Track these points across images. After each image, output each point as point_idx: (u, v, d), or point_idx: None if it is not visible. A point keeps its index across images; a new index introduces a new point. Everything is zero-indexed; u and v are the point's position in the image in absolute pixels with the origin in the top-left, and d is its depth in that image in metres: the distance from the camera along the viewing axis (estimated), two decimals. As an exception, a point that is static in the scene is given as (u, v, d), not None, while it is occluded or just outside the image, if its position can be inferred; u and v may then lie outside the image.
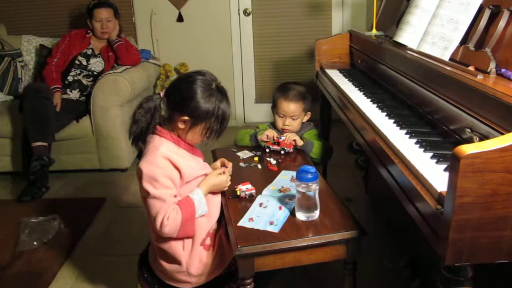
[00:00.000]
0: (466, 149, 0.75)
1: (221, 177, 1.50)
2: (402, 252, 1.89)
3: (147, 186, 1.34)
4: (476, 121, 1.05)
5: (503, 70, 1.09)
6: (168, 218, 1.33)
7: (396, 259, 1.83)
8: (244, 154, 1.90)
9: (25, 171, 2.86)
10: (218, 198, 1.52)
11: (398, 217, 2.01)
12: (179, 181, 1.40)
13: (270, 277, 1.62)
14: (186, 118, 1.38)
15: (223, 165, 1.63)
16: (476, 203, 0.78)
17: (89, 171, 3.11)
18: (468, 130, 1.07)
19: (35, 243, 2.23)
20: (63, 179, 3.03)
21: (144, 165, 1.35)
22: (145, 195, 1.36)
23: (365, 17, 3.62)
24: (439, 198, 0.87)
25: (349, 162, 3.09)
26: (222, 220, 1.52)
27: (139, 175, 1.37)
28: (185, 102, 1.38)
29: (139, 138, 1.43)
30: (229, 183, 1.53)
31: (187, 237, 1.42)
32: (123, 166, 3.10)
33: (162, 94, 1.43)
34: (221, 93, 1.42)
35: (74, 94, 3.07)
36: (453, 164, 0.76)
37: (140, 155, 3.31)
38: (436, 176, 0.95)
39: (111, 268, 2.04)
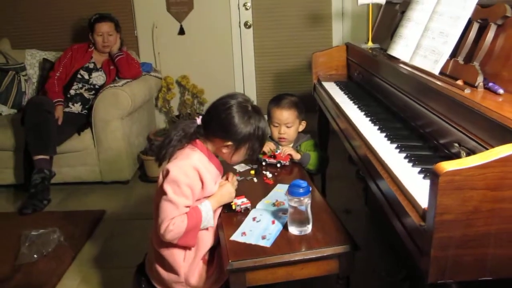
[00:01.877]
0: (446, 166, 0.74)
1: (226, 186, 1.52)
2: (400, 265, 1.87)
3: (167, 187, 1.37)
4: (464, 136, 1.05)
5: (490, 84, 1.09)
6: (174, 224, 1.36)
7: (394, 271, 1.81)
8: (241, 167, 1.91)
9: (26, 183, 2.88)
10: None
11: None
12: (200, 193, 1.44)
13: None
14: (229, 143, 1.43)
15: (226, 178, 1.65)
16: (458, 220, 0.77)
17: (90, 183, 3.13)
18: (457, 144, 1.07)
19: (35, 255, 2.23)
20: (64, 191, 3.04)
21: (173, 168, 1.38)
22: (162, 195, 1.38)
23: (365, 29, 3.63)
24: (423, 215, 0.87)
25: (349, 173, 3.07)
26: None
27: (164, 175, 1.40)
28: (226, 130, 1.43)
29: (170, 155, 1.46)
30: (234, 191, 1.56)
31: (187, 247, 1.43)
32: (124, 179, 3.11)
33: (198, 121, 1.48)
34: (257, 113, 1.47)
35: (76, 107, 3.09)
36: (433, 180, 0.76)
37: (141, 168, 3.33)
38: (422, 191, 0.95)
39: (110, 280, 2.04)
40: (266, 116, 2.08)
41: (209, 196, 1.49)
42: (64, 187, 3.08)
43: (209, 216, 1.43)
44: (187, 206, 1.39)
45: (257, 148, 1.49)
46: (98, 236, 2.47)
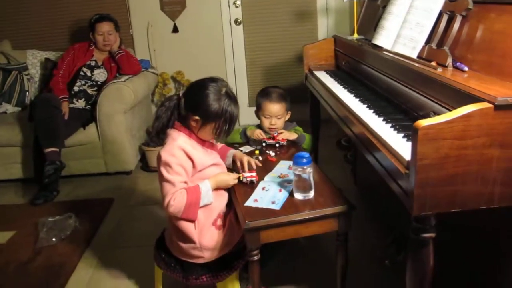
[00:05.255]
0: (423, 122, 0.99)
1: (226, 175, 1.72)
2: (388, 232, 2.12)
3: (162, 170, 1.60)
4: (438, 106, 1.30)
5: (457, 63, 1.34)
6: (175, 199, 1.57)
7: (383, 237, 2.05)
8: (246, 148, 2.13)
9: (37, 176, 3.04)
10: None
11: (383, 202, 2.25)
12: (191, 170, 1.64)
13: (269, 258, 1.82)
14: (197, 118, 1.62)
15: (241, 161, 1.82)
16: (433, 164, 1.01)
17: (95, 175, 3.31)
18: (432, 113, 1.31)
19: (53, 239, 2.41)
20: (71, 183, 3.21)
21: (163, 153, 1.60)
22: (160, 177, 1.61)
23: (348, 23, 3.88)
24: (407, 165, 1.11)
25: (338, 157, 3.32)
26: (231, 204, 1.74)
27: (158, 160, 1.62)
28: (197, 104, 1.62)
29: (161, 132, 1.67)
30: (236, 181, 1.73)
31: (190, 221, 1.63)
32: (128, 169, 3.30)
33: (181, 94, 1.67)
34: (229, 97, 1.64)
35: (80, 103, 3.26)
36: (414, 134, 1.00)
37: (143, 159, 3.53)
38: (406, 149, 1.18)
39: (124, 259, 2.24)
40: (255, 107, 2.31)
41: (211, 172, 1.69)
42: (71, 180, 3.25)
43: (208, 195, 1.64)
44: (184, 182, 1.60)
45: (224, 129, 1.64)
46: (110, 221, 2.65)
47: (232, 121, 1.65)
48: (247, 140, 2.22)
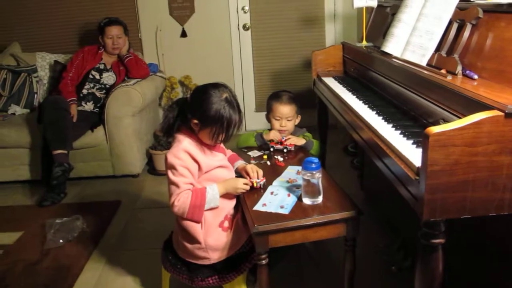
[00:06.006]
0: (434, 129, 1.00)
1: (236, 181, 1.73)
2: (395, 238, 2.12)
3: (168, 172, 1.65)
4: (447, 113, 1.31)
5: (467, 71, 1.36)
6: (179, 200, 1.62)
7: (391, 243, 2.06)
8: (254, 153, 2.16)
9: (45, 178, 3.06)
10: None
11: (390, 208, 2.25)
12: (198, 172, 1.68)
13: (276, 261, 1.84)
14: (196, 121, 1.66)
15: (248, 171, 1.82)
16: (443, 170, 1.02)
17: (103, 177, 3.33)
18: (442, 120, 1.32)
19: (61, 241, 2.43)
20: (79, 185, 3.24)
21: (169, 156, 1.65)
22: (167, 179, 1.66)
23: (355, 29, 3.89)
24: (417, 171, 1.12)
25: (345, 163, 3.33)
26: (239, 207, 1.76)
27: (165, 162, 1.67)
28: (197, 108, 1.66)
29: (168, 131, 1.72)
30: (247, 187, 1.73)
31: (194, 221, 1.66)
32: (134, 172, 3.32)
33: (189, 97, 1.71)
34: (229, 103, 1.65)
35: (89, 106, 3.29)
36: (425, 140, 1.02)
37: (150, 162, 3.55)
38: (415, 156, 1.20)
39: (131, 261, 2.25)
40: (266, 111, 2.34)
41: (218, 173, 1.72)
42: (78, 182, 3.27)
43: (215, 198, 1.66)
44: (190, 183, 1.64)
45: (222, 134, 1.66)
46: (117, 224, 2.67)
47: (229, 127, 1.66)
48: (263, 143, 2.25)
